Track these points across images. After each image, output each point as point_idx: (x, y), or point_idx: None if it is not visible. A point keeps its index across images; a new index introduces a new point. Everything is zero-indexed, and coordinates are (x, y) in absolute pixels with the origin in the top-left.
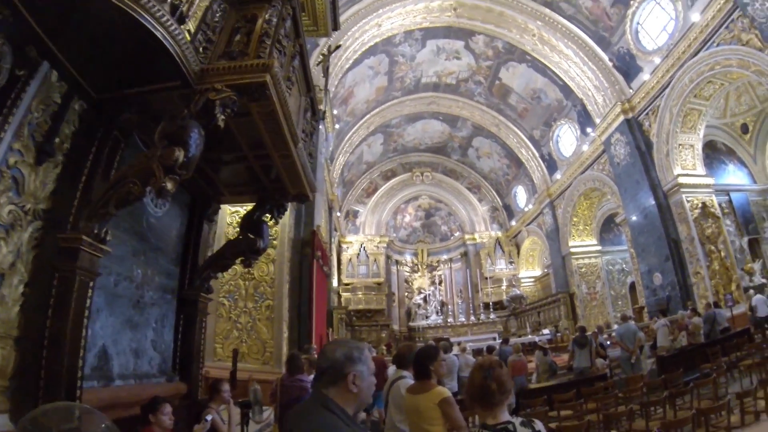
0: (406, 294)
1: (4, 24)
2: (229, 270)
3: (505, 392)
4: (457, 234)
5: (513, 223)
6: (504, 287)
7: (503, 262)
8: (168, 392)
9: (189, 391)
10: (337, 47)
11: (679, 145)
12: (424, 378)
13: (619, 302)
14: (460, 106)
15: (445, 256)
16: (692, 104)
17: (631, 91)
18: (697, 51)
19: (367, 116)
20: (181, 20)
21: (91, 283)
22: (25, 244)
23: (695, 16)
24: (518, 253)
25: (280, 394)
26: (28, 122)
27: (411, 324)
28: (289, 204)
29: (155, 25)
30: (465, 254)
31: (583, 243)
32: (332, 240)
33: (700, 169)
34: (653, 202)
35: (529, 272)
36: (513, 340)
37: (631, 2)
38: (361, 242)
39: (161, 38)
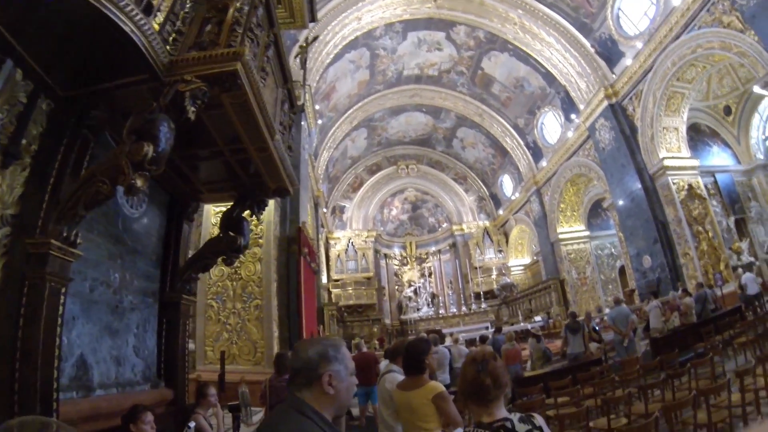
0: (397, 287)
1: None
2: (216, 271)
3: (500, 387)
4: (444, 225)
5: (500, 212)
6: (494, 276)
7: (492, 251)
8: (153, 399)
9: (175, 397)
10: (315, 39)
11: (664, 128)
12: (415, 373)
13: (610, 286)
14: (443, 98)
15: (433, 248)
16: (675, 87)
17: (614, 76)
18: (679, 35)
19: (350, 111)
20: (149, 11)
21: (63, 289)
22: None
23: (676, 0)
24: (507, 241)
25: (269, 394)
26: None
27: (402, 317)
28: (274, 202)
29: (119, 15)
30: (453, 245)
31: (571, 229)
32: (319, 236)
33: (685, 152)
34: (640, 186)
35: (518, 260)
36: (506, 328)
37: None
38: (349, 237)
39: (126, 29)
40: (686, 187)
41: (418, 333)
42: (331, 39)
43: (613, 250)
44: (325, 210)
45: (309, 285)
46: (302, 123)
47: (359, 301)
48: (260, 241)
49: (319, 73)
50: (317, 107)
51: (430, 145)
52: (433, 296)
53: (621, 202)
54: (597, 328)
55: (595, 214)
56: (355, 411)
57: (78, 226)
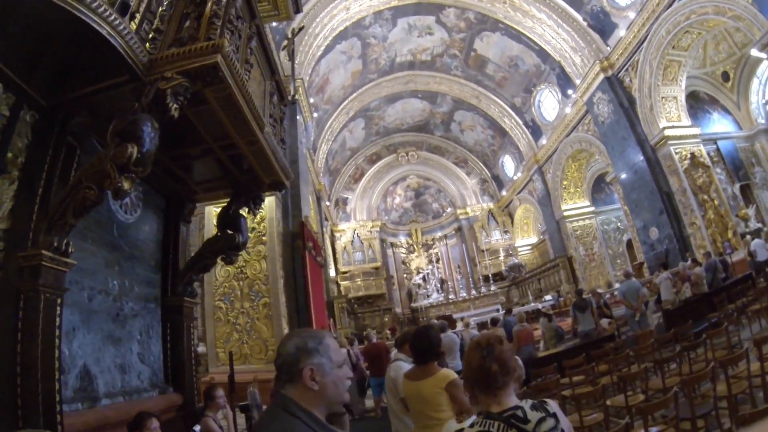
0: (405, 275)
1: None
2: (222, 272)
3: (508, 372)
4: (449, 210)
5: (503, 193)
6: (502, 258)
7: (498, 232)
8: (162, 405)
9: (185, 401)
10: (300, 29)
11: (662, 98)
12: (424, 362)
13: (618, 261)
14: (438, 82)
15: (439, 234)
16: (671, 56)
17: (608, 48)
18: (672, 2)
19: (345, 102)
20: (124, 11)
21: (59, 300)
22: None
23: None
24: (512, 222)
25: None
26: None
27: (413, 305)
28: (275, 198)
29: (93, 17)
30: (459, 229)
31: (575, 205)
32: (324, 230)
33: (686, 120)
34: (642, 158)
35: (525, 240)
36: (516, 309)
37: None
38: (354, 229)
39: (101, 31)
40: (689, 156)
41: (429, 320)
42: (320, 31)
43: (619, 224)
44: (328, 203)
45: (316, 279)
46: (297, 117)
47: (369, 292)
48: (264, 238)
49: (311, 66)
50: (312, 100)
51: (429, 130)
52: (442, 282)
53: (624, 175)
54: (607, 303)
55: (598, 189)
56: (370, 402)
57: (69, 235)
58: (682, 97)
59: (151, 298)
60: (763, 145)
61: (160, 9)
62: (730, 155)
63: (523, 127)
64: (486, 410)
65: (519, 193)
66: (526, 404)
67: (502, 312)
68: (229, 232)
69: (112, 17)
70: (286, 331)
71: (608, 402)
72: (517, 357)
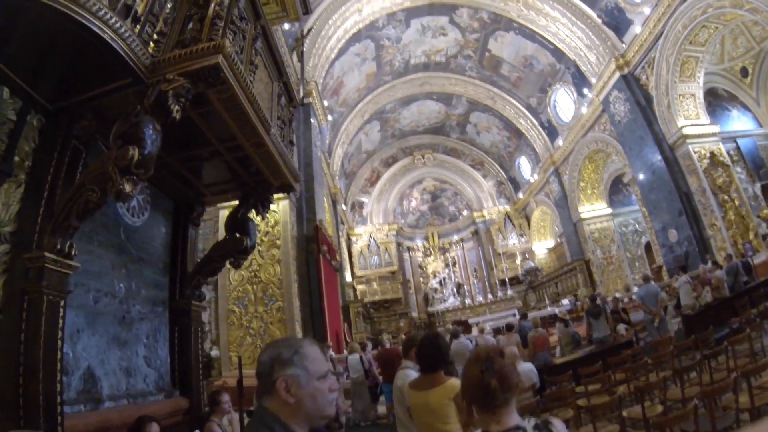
0: (422, 279)
1: None
2: (236, 276)
3: (510, 389)
4: (465, 213)
5: (520, 195)
6: (518, 262)
7: (515, 236)
8: (167, 409)
9: (191, 406)
10: (309, 31)
11: (680, 95)
12: (432, 370)
13: (636, 264)
14: (453, 83)
15: (455, 237)
16: (688, 51)
17: (623, 45)
18: None
19: (360, 104)
20: (126, 15)
21: (62, 302)
22: None
23: None
24: (529, 225)
25: None
26: None
27: (429, 309)
28: (289, 201)
29: (94, 21)
30: (476, 232)
31: (593, 207)
32: (340, 234)
33: (704, 118)
34: (660, 157)
35: (542, 243)
36: (531, 314)
37: None
38: (370, 232)
39: (102, 34)
40: (708, 154)
41: (445, 324)
42: (333, 33)
43: (637, 226)
44: (344, 207)
45: (331, 283)
46: (312, 120)
47: (385, 296)
48: (278, 242)
49: (325, 69)
50: (326, 103)
51: (444, 132)
52: (459, 286)
53: (642, 176)
54: (624, 308)
55: (615, 190)
56: (382, 409)
57: (72, 237)
58: (700, 94)
59: (158, 301)
60: None
61: (164, 12)
62: (751, 153)
63: (539, 128)
64: (485, 429)
65: (536, 195)
66: (529, 424)
67: (518, 317)
68: (237, 235)
69: (114, 21)
70: (300, 335)
71: (625, 413)
72: (520, 371)
